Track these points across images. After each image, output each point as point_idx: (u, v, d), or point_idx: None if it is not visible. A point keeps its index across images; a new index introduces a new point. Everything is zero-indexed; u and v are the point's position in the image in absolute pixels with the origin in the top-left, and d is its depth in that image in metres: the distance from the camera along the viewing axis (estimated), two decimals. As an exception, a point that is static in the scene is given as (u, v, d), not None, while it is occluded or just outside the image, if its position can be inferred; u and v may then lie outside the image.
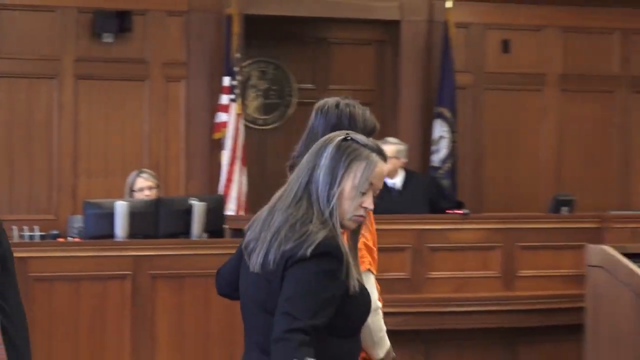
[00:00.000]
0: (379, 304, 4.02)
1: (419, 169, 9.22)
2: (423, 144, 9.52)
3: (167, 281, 6.69)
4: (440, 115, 9.35)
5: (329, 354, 3.22)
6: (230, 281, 3.62)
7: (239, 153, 8.74)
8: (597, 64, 10.22)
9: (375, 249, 4.05)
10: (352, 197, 3.25)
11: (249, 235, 3.39)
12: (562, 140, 10.26)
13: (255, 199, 8.79)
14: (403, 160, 8.34)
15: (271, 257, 3.22)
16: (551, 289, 7.85)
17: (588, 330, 6.51)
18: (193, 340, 6.64)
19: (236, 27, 8.68)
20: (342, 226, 3.27)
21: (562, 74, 10.12)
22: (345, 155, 3.27)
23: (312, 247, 3.16)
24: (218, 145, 8.83)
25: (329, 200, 3.27)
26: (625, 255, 6.18)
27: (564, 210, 8.69)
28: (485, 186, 9.99)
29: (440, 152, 9.31)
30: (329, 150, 3.26)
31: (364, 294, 3.33)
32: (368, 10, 9.56)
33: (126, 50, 8.92)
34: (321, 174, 3.26)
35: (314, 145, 3.39)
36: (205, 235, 6.88)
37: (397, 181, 8.30)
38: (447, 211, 8.16)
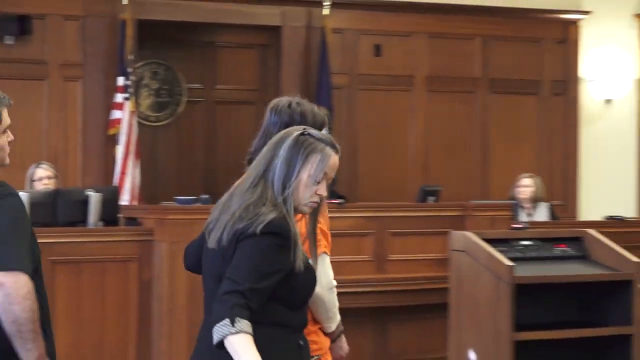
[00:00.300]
0: (334, 283, 4.16)
1: (299, 163, 9.63)
2: (302, 140, 9.96)
3: (65, 266, 6.75)
4: None
5: (276, 320, 3.45)
6: (195, 258, 3.83)
7: (133, 148, 8.96)
8: (460, 67, 10.63)
9: (329, 233, 4.16)
10: (308, 185, 3.44)
11: (210, 217, 3.63)
12: (428, 136, 10.58)
13: (147, 190, 9.12)
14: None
15: (225, 234, 3.46)
16: (419, 272, 7.94)
17: (452, 308, 6.61)
18: (90, 322, 6.75)
19: (130, 31, 8.92)
20: (299, 211, 3.49)
21: (428, 75, 10.50)
22: (303, 148, 3.48)
23: (262, 225, 3.37)
24: (113, 140, 9.03)
25: (284, 188, 3.49)
26: (484, 240, 6.22)
27: (431, 199, 9.04)
28: (360, 178, 10.24)
29: None
30: (288, 143, 3.48)
31: (310, 272, 3.53)
32: (252, 17, 9.84)
33: (26, 52, 9.06)
34: (279, 164, 3.49)
35: (273, 138, 3.60)
36: (101, 223, 7.02)
37: None
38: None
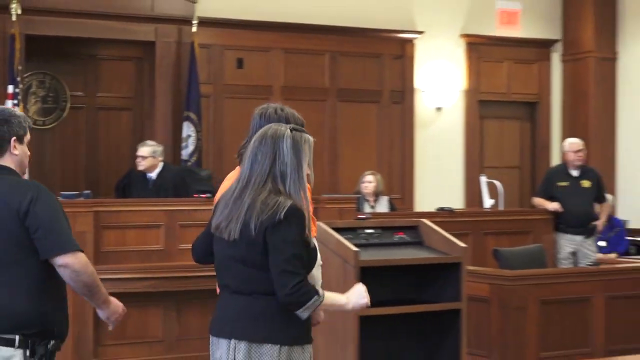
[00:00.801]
0: (321, 262, 4.37)
1: (172, 162, 9.75)
2: (175, 142, 10.10)
3: None
4: (188, 118, 10.05)
5: None
6: (203, 252, 4.10)
7: (22, 148, 9.44)
8: (312, 79, 11.13)
9: (315, 219, 4.32)
10: (306, 170, 3.80)
11: (217, 218, 3.86)
12: None
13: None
14: (159, 158, 8.90)
15: (252, 225, 3.73)
16: None
17: None
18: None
19: (18, 45, 9.21)
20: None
21: (284, 86, 10.98)
22: (301, 142, 3.83)
23: (284, 211, 3.68)
24: (2, 142, 9.56)
25: (300, 179, 3.81)
26: (333, 229, 6.37)
27: None
28: (225, 175, 10.73)
29: (188, 148, 10.02)
30: (287, 141, 3.84)
31: (315, 248, 3.88)
32: (129, 33, 10.19)
33: None
34: (288, 161, 3.82)
35: (260, 139, 3.82)
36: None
37: (153, 174, 8.94)
38: (194, 195, 8.64)
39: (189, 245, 7.59)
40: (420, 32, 11.70)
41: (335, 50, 11.33)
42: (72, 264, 3.93)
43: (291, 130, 3.88)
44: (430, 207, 10.29)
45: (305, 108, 10.61)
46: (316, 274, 4.32)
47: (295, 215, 3.75)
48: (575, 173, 9.60)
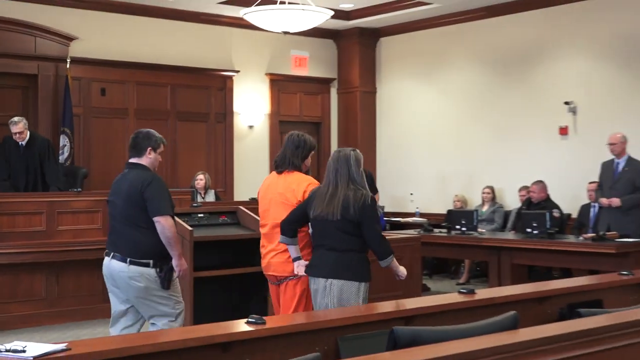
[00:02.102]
0: None
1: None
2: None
3: None
4: (64, 132, 9.89)
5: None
6: (292, 231, 4.71)
7: None
8: (157, 104, 11.10)
9: None
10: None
11: (318, 209, 4.61)
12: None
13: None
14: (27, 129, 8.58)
15: (351, 209, 4.51)
16: None
17: None
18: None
19: None
20: None
21: (137, 109, 10.87)
22: (358, 158, 4.69)
23: (368, 198, 4.53)
24: None
25: (363, 181, 4.65)
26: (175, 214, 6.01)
27: None
28: (93, 174, 10.13)
29: (64, 154, 9.84)
30: (353, 158, 4.65)
31: None
32: (18, 68, 9.99)
33: None
34: (354, 170, 4.61)
35: (337, 158, 4.66)
36: None
37: (23, 142, 8.60)
38: (69, 190, 8.56)
39: (66, 227, 8.11)
40: (237, 71, 11.87)
41: (174, 83, 11.33)
42: (161, 222, 4.73)
43: (353, 151, 4.71)
44: (245, 198, 10.54)
45: (152, 125, 10.11)
46: None
47: (373, 201, 4.62)
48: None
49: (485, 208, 10.67)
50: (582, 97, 10.23)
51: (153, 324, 4.94)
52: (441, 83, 11.86)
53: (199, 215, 6.79)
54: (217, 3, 10.78)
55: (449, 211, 9.94)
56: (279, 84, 12.32)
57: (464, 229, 8.97)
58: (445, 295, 4.44)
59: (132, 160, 5.01)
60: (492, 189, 10.73)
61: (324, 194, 4.59)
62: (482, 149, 11.33)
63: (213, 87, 11.65)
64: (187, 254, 6.22)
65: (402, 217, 11.55)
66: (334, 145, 12.72)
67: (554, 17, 10.49)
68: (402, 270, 4.82)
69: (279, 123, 12.32)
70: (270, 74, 12.24)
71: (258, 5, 8.92)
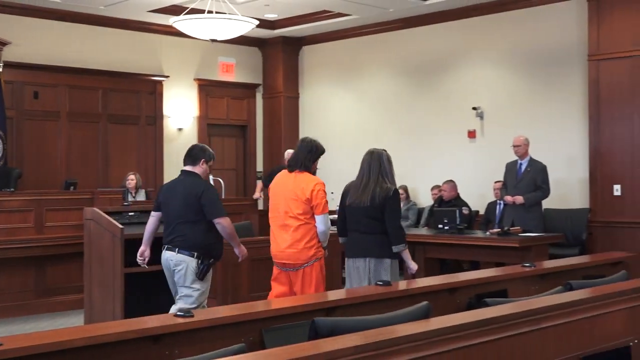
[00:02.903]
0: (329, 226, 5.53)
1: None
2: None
3: None
4: None
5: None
6: (344, 230, 5.38)
7: None
8: (89, 107, 10.93)
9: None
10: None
11: (350, 198, 5.29)
12: (70, 149, 10.73)
13: None
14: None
15: (377, 198, 5.13)
16: (66, 233, 8.10)
17: (86, 256, 6.65)
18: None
19: None
20: None
21: (69, 112, 10.72)
22: (389, 157, 5.30)
23: (392, 190, 5.13)
24: None
25: (392, 176, 5.23)
26: (106, 212, 6.38)
27: (72, 188, 9.21)
28: (26, 174, 9.90)
29: None
30: (385, 157, 5.29)
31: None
32: None
33: None
34: (387, 166, 5.23)
35: (370, 155, 5.31)
36: None
37: None
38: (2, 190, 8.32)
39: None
40: (166, 76, 11.79)
41: (106, 87, 11.19)
42: (221, 222, 5.40)
43: (382, 150, 5.32)
44: None
45: (83, 128, 10.98)
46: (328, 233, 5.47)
47: (396, 194, 5.20)
48: None
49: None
50: (488, 103, 10.43)
51: (176, 303, 5.51)
52: (360, 89, 11.94)
53: (130, 213, 6.78)
54: (148, 11, 10.66)
55: (367, 209, 9.88)
56: (207, 88, 12.22)
57: (381, 225, 8.93)
58: (364, 287, 4.45)
59: (187, 168, 5.53)
60: (406, 188, 10.78)
61: (358, 184, 5.26)
62: (397, 151, 11.29)
63: (143, 91, 11.51)
64: (118, 251, 6.20)
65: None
66: (259, 147, 12.78)
67: (464, 29, 10.68)
68: (413, 265, 5.44)
69: (207, 126, 12.23)
70: (199, 79, 12.15)
71: (187, 14, 8.84)
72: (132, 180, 10.05)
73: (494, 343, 2.68)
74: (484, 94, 10.44)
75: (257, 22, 9.19)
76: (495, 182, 9.30)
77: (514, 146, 8.49)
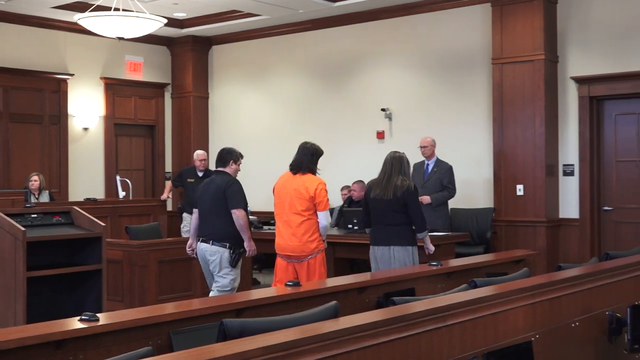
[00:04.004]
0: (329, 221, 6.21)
1: None
2: None
3: None
4: None
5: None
6: (367, 222, 6.21)
7: None
8: None
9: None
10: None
11: (374, 192, 6.08)
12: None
13: None
14: None
15: (399, 192, 5.96)
16: None
17: None
18: None
19: None
20: None
21: None
22: (407, 159, 6.15)
23: (412, 186, 5.98)
24: None
25: (409, 174, 6.09)
26: (7, 215, 6.04)
27: None
28: None
29: None
30: (405, 158, 6.13)
31: None
32: None
33: None
34: (406, 167, 6.07)
35: (392, 157, 6.13)
36: None
37: None
38: None
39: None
40: (71, 74, 11.56)
41: (7, 85, 10.92)
42: (236, 213, 6.07)
43: (402, 153, 6.17)
44: (80, 198, 10.51)
45: None
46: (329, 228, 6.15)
47: (416, 189, 6.07)
48: (200, 174, 9.92)
49: (310, 206, 10.76)
50: (397, 104, 10.62)
51: (212, 290, 6.15)
52: (270, 89, 12.00)
53: (33, 215, 6.46)
54: (51, 7, 10.46)
55: (278, 209, 9.95)
56: (114, 87, 12.04)
57: (291, 225, 8.99)
58: (273, 288, 4.46)
59: (218, 168, 6.28)
60: (316, 188, 10.82)
61: (381, 180, 6.07)
62: (308, 152, 11.46)
63: (47, 89, 11.31)
64: (20, 254, 5.96)
65: (234, 216, 11.49)
66: (168, 147, 12.70)
67: (373, 31, 10.83)
68: (432, 247, 6.32)
69: (114, 125, 12.08)
70: (105, 78, 11.97)
71: (93, 11, 8.69)
72: (35, 181, 9.85)
73: (402, 340, 2.72)
74: (392, 95, 10.62)
75: (165, 21, 9.16)
76: (404, 182, 9.41)
77: (421, 147, 8.66)
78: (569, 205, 9.24)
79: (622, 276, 4.25)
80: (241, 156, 6.38)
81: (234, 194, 6.08)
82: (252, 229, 9.33)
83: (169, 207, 11.11)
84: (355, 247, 8.22)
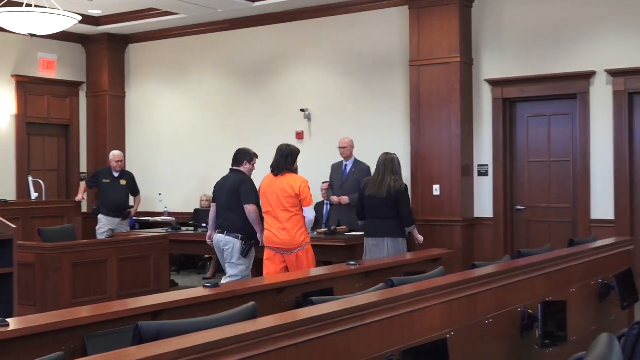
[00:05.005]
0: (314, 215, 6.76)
1: None
2: None
3: None
4: None
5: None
6: (363, 214, 6.95)
7: None
8: None
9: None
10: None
11: (369, 190, 6.93)
12: None
13: None
14: None
15: (392, 191, 6.79)
16: None
17: None
18: None
19: None
20: None
21: None
22: (398, 159, 6.99)
23: (403, 185, 6.81)
24: None
25: (400, 174, 6.87)
26: None
27: None
28: None
29: None
30: (396, 159, 7.00)
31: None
32: None
33: None
34: (398, 167, 6.88)
35: (384, 158, 7.00)
36: None
37: None
38: None
39: None
40: None
41: None
42: (248, 208, 6.75)
43: (393, 154, 7.03)
44: None
45: None
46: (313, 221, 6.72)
47: (406, 189, 6.94)
48: (116, 174, 9.82)
49: (229, 207, 10.76)
50: (316, 105, 10.70)
51: (225, 278, 6.85)
52: (188, 89, 11.96)
53: None
54: (-42, 1, 10.08)
55: (196, 210, 10.03)
56: (26, 85, 11.76)
57: (210, 226, 8.99)
58: (191, 289, 4.42)
59: (234, 167, 7.01)
60: (236, 189, 10.84)
61: (375, 180, 6.91)
62: (227, 152, 11.39)
63: None
64: None
65: (151, 217, 11.55)
66: (82, 146, 12.53)
67: (293, 32, 10.89)
68: (420, 237, 7.12)
69: (26, 125, 11.81)
70: (17, 76, 11.68)
71: (4, 6, 8.48)
72: None
73: (321, 340, 2.74)
74: (312, 96, 10.69)
75: (80, 18, 9.04)
76: (323, 182, 9.53)
77: (340, 147, 8.84)
78: (484, 204, 9.48)
79: (534, 273, 4.38)
80: (256, 156, 7.06)
81: (247, 191, 6.79)
82: (170, 230, 9.33)
83: (84, 209, 10.88)
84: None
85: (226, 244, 6.88)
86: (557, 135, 9.27)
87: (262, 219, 6.75)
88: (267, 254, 6.71)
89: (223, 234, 6.92)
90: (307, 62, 10.85)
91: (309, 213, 6.58)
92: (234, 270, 6.87)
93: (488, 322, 3.79)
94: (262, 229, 6.74)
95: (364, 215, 6.96)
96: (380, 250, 6.80)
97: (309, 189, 6.59)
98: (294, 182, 6.59)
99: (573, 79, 8.94)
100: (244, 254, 6.82)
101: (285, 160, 6.59)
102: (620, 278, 5.12)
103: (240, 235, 6.82)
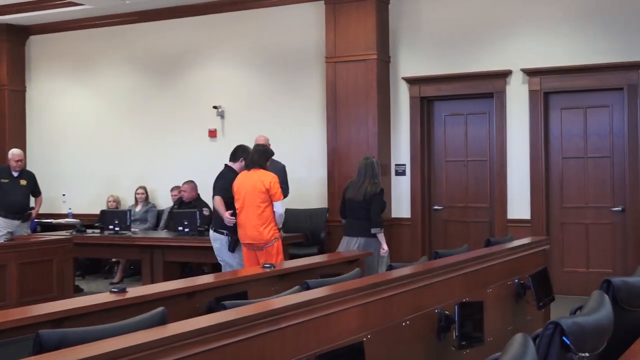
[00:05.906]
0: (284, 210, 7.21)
1: None
2: None
3: None
4: None
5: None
6: (344, 212, 7.34)
7: None
8: None
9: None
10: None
11: (349, 193, 7.35)
12: None
13: None
14: None
15: (367, 194, 7.17)
16: None
17: None
18: None
19: None
20: None
21: None
22: (378, 162, 7.40)
23: (379, 189, 7.18)
24: None
25: (379, 177, 7.29)
26: None
27: None
28: None
29: None
30: (376, 163, 7.41)
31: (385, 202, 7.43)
32: None
33: None
34: (377, 171, 7.29)
35: (365, 162, 7.39)
36: None
37: None
38: None
39: None
40: None
41: None
42: (275, 206, 6.97)
43: (373, 158, 7.48)
44: None
45: None
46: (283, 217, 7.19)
47: (381, 192, 7.28)
48: (15, 174, 9.57)
49: (138, 208, 10.72)
50: (229, 102, 10.66)
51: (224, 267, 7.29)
52: (94, 84, 11.76)
53: None
54: None
55: (103, 211, 9.87)
56: None
57: (117, 228, 8.96)
58: (96, 295, 4.33)
59: (229, 164, 7.45)
60: (145, 189, 10.78)
61: (356, 183, 7.34)
62: (136, 150, 11.35)
63: None
64: None
65: (54, 219, 11.31)
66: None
67: (203, 26, 10.81)
68: (385, 247, 7.23)
69: None
70: None
71: None
72: None
73: (234, 345, 2.73)
74: (225, 92, 10.65)
75: (-24, 7, 8.65)
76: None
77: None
78: (401, 205, 9.63)
79: (451, 274, 4.47)
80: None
81: (216, 185, 7.40)
82: (74, 232, 9.12)
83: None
84: (185, 250, 8.26)
85: (215, 239, 7.43)
86: (474, 134, 9.50)
87: (235, 215, 7.14)
88: (243, 250, 7.19)
89: (212, 230, 7.49)
90: (220, 58, 10.79)
91: (279, 207, 7.02)
92: (231, 263, 7.36)
93: (405, 324, 3.84)
94: (229, 221, 7.23)
95: (345, 214, 7.44)
96: (353, 249, 7.23)
97: (279, 184, 7.06)
98: (264, 178, 7.04)
99: (489, 78, 9.17)
100: (231, 248, 7.28)
101: (260, 155, 7.08)
102: (536, 278, 5.27)
103: (225, 232, 7.30)
